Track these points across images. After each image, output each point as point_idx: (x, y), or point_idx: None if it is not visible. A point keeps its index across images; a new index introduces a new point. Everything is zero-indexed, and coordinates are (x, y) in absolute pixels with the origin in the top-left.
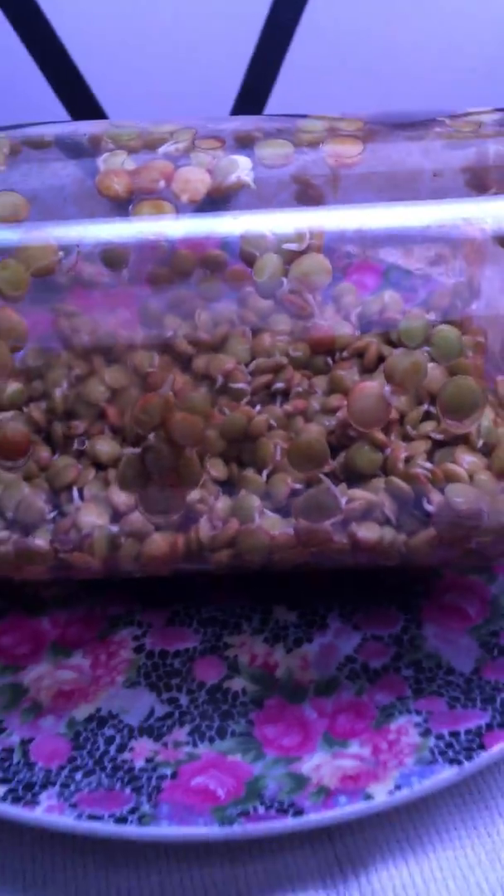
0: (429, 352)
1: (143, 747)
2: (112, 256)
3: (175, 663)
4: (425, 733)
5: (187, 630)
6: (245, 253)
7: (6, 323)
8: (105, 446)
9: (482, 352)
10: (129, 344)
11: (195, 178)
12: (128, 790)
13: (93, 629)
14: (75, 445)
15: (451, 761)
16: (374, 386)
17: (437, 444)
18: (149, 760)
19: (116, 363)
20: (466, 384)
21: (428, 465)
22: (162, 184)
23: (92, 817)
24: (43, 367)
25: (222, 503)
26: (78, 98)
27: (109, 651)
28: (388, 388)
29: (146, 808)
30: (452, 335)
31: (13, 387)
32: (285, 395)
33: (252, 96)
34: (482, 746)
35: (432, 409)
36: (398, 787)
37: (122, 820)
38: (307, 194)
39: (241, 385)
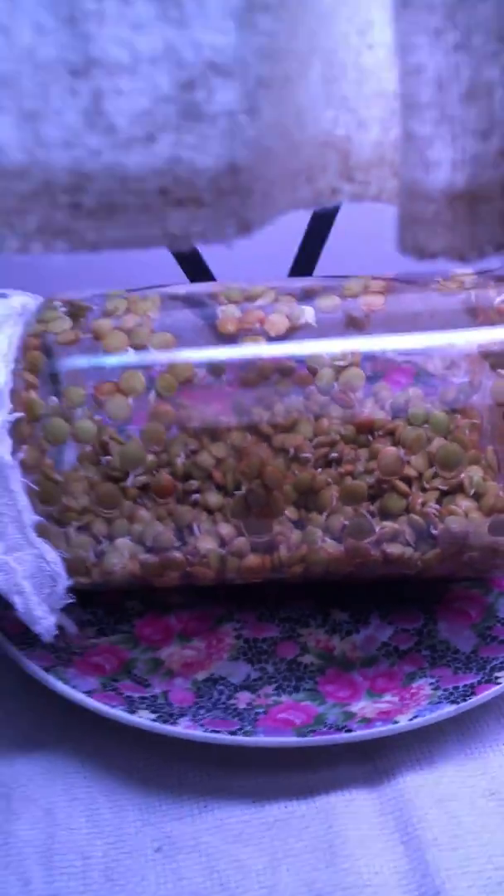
0: (428, 428)
1: (244, 697)
2: (217, 368)
3: (263, 646)
4: (436, 688)
5: (271, 624)
6: (310, 368)
7: (163, 414)
8: (213, 498)
9: (478, 430)
10: (228, 427)
11: (278, 321)
12: (235, 720)
13: (206, 623)
14: (192, 497)
15: (453, 702)
16: (393, 450)
17: (444, 493)
18: (248, 704)
19: (219, 441)
20: (452, 448)
21: (436, 506)
22: (258, 325)
23: (214, 731)
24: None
25: (295, 536)
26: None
27: (218, 638)
28: (402, 451)
29: (248, 728)
30: (442, 417)
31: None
32: (338, 462)
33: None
34: (474, 693)
35: (443, 475)
36: (415, 717)
37: (233, 733)
38: (350, 329)
39: (306, 454)
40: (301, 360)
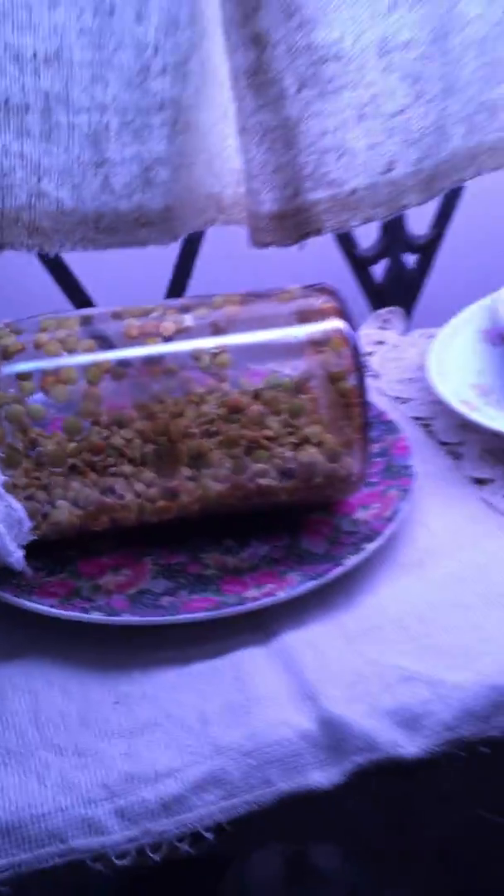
0: (280, 390)
1: (166, 599)
2: (118, 372)
3: (176, 567)
4: (302, 576)
5: (180, 553)
6: (193, 356)
7: (94, 396)
8: (126, 468)
9: (315, 402)
10: (131, 417)
11: (168, 326)
12: (162, 610)
13: (131, 558)
14: (110, 470)
15: (313, 580)
16: (257, 407)
17: (295, 445)
18: (170, 603)
19: (126, 427)
20: (298, 403)
21: (291, 453)
22: (154, 330)
23: (149, 617)
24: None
25: (192, 485)
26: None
27: (141, 566)
28: (263, 408)
29: (173, 614)
30: (288, 382)
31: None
32: (216, 433)
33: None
34: (326, 574)
35: (292, 430)
36: (288, 591)
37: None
38: (218, 329)
39: (193, 430)
40: (184, 354)
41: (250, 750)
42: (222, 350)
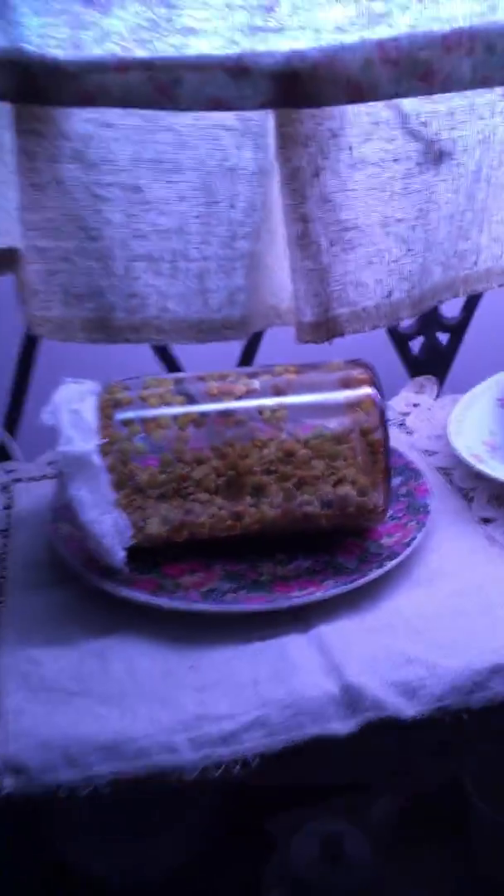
0: (323, 439)
1: (230, 596)
2: (200, 422)
3: (238, 574)
4: (336, 582)
5: (242, 564)
6: (259, 410)
7: (183, 438)
8: (202, 496)
9: (352, 450)
10: (208, 457)
11: (239, 388)
12: (226, 602)
13: (204, 565)
14: (191, 497)
15: (345, 585)
16: (305, 451)
17: (334, 484)
18: (232, 598)
19: (203, 464)
20: (333, 449)
21: (331, 489)
22: (229, 390)
23: (217, 606)
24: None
25: (253, 510)
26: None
27: (212, 572)
28: (311, 453)
29: (235, 605)
30: (329, 434)
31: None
32: (275, 472)
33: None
34: (357, 580)
35: (333, 471)
36: (325, 592)
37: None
38: (278, 391)
39: (256, 468)
40: (253, 408)
41: (288, 703)
42: (281, 407)
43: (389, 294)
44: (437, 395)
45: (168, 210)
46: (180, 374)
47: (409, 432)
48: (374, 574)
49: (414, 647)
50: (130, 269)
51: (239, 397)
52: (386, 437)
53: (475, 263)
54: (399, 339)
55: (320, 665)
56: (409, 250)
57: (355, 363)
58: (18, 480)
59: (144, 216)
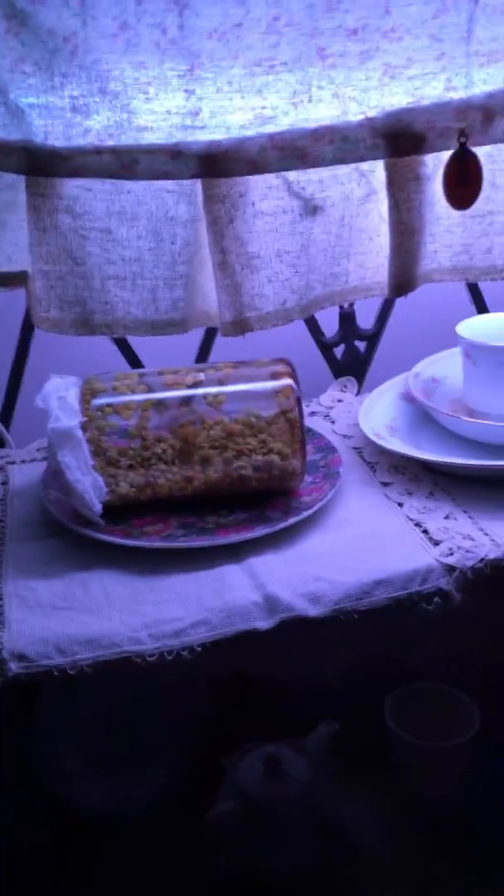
0: (253, 418)
1: (182, 539)
2: (159, 408)
3: (189, 523)
4: (265, 528)
5: (192, 516)
6: (204, 397)
7: (145, 418)
8: (162, 466)
9: (274, 427)
10: (165, 436)
11: (190, 379)
12: (179, 542)
13: (163, 517)
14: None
15: (270, 527)
16: (240, 427)
17: (264, 453)
18: (185, 539)
19: (162, 441)
20: (265, 426)
21: (259, 456)
22: (181, 381)
23: (175, 543)
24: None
25: (201, 475)
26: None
27: (168, 522)
28: (245, 430)
29: (189, 533)
30: (261, 417)
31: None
32: (216, 447)
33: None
34: (279, 524)
35: (262, 445)
36: (255, 532)
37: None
38: (220, 382)
39: (203, 444)
40: (200, 396)
41: (223, 609)
42: (222, 394)
43: (284, 303)
44: (358, 393)
45: (130, 245)
46: (144, 370)
47: (332, 422)
48: (293, 520)
49: (319, 570)
50: (105, 285)
51: (189, 386)
52: (301, 416)
53: (346, 282)
54: (324, 347)
55: (249, 584)
56: (296, 272)
57: (279, 361)
58: (12, 463)
59: (114, 250)
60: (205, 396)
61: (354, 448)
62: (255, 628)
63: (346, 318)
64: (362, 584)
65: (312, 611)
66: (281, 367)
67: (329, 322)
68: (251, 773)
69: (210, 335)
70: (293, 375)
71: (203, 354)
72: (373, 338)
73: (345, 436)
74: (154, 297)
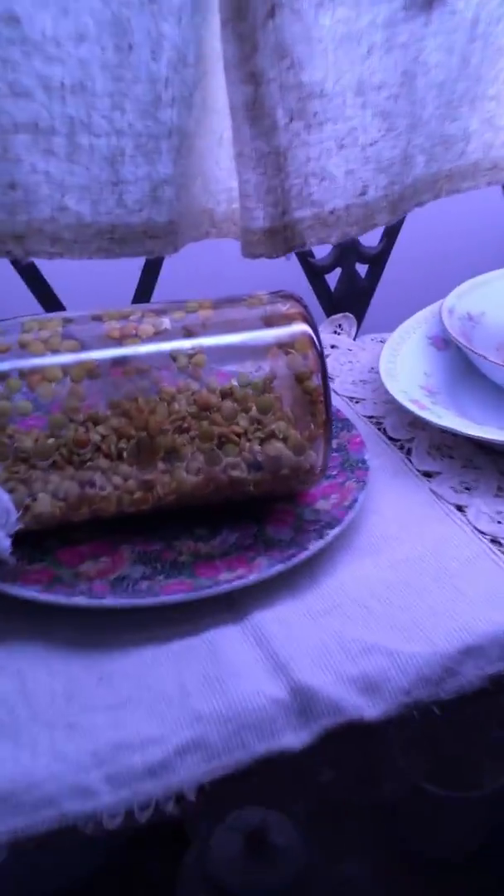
0: (251, 390)
1: (144, 584)
2: (95, 372)
3: (152, 554)
4: (270, 560)
5: (154, 541)
6: (171, 356)
7: (78, 393)
8: (103, 462)
9: (280, 401)
10: (106, 415)
11: (147, 328)
12: (142, 594)
13: (109, 547)
14: (88, 464)
15: (280, 563)
16: (230, 403)
17: (262, 440)
18: (147, 587)
19: (101, 424)
20: (265, 400)
21: (258, 447)
22: (133, 331)
23: (129, 600)
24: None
25: (166, 478)
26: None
27: (119, 554)
28: (235, 405)
29: (152, 596)
30: (259, 381)
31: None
32: (188, 430)
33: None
34: (293, 557)
35: (259, 426)
36: (259, 573)
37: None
38: (191, 332)
39: (166, 427)
40: (164, 354)
41: (228, 717)
42: (197, 351)
43: (363, 191)
44: (356, 336)
45: (61, 55)
46: (70, 313)
47: (330, 378)
48: (315, 547)
49: (368, 631)
50: (8, 145)
51: (145, 340)
52: (326, 383)
53: (462, 153)
54: (314, 272)
55: (261, 663)
56: (389, 129)
57: (283, 296)
58: None
59: (25, 63)
60: (172, 355)
61: (369, 418)
62: (283, 748)
63: None
64: (442, 657)
65: (370, 709)
66: (288, 307)
67: None
68: (227, 850)
69: (153, 263)
70: (308, 319)
71: (145, 287)
72: (377, 260)
73: (351, 398)
74: (114, 177)
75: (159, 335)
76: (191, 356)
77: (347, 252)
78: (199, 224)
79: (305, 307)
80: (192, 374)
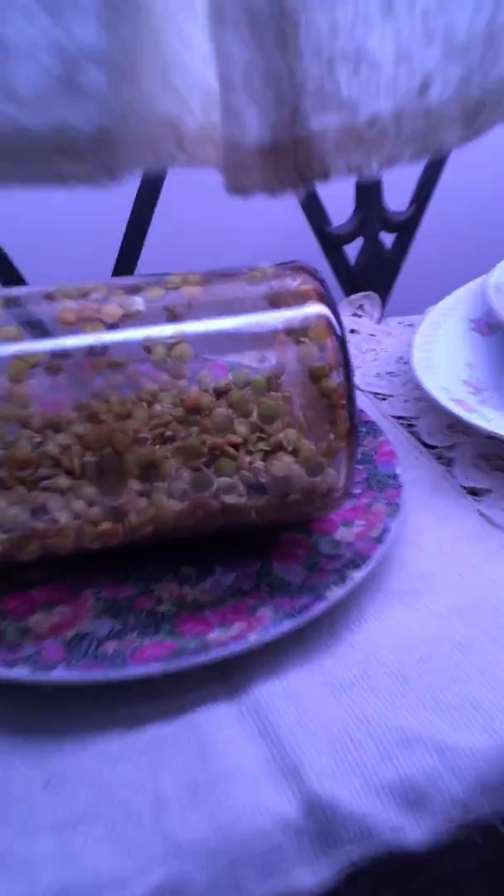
0: (251, 390)
1: (111, 645)
2: (53, 366)
3: (123, 602)
4: (276, 612)
5: (127, 585)
6: (145, 347)
7: (18, 396)
8: (62, 481)
9: (289, 401)
10: (69, 420)
11: (113, 310)
12: (106, 663)
13: (67, 592)
14: (42, 483)
15: (290, 618)
16: (223, 409)
17: (267, 453)
18: (115, 650)
19: (62, 432)
20: (271, 404)
21: (261, 463)
22: (95, 314)
23: (87, 672)
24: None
25: (143, 502)
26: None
27: (80, 602)
28: (230, 411)
29: (118, 667)
30: (260, 379)
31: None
32: (173, 439)
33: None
34: (307, 609)
35: (263, 436)
36: (261, 634)
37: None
38: (174, 315)
39: (144, 435)
40: (136, 343)
41: (218, 847)
42: (180, 339)
43: (425, 87)
44: (380, 319)
45: None
46: (14, 290)
47: None
48: (336, 594)
49: (409, 713)
50: None
51: (112, 326)
52: (350, 381)
53: None
54: (330, 242)
55: (264, 761)
56: None
57: (294, 268)
58: None
59: None
60: (147, 345)
61: (398, 419)
62: (294, 891)
63: (367, 192)
64: None
65: (414, 830)
66: (301, 283)
67: (338, 201)
68: None
69: (135, 232)
70: (326, 298)
71: (127, 255)
72: (406, 227)
73: (376, 395)
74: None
75: (130, 319)
76: (171, 346)
77: (370, 217)
78: (154, 139)
79: (322, 282)
80: (173, 369)
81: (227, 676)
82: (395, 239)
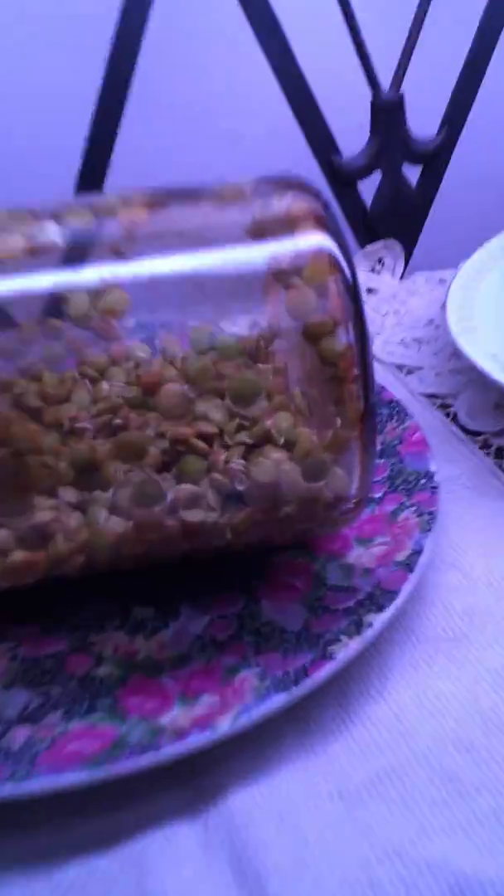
0: (216, 355)
1: (21, 733)
2: None
3: (47, 664)
4: (263, 678)
5: (57, 637)
6: (59, 295)
7: None
8: None
9: (282, 374)
10: None
11: (12, 242)
12: (6, 765)
13: None
14: None
15: (283, 690)
16: (175, 385)
17: (250, 448)
18: (25, 741)
19: None
20: (247, 376)
21: (242, 461)
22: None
23: None
24: None
25: (74, 520)
26: None
27: None
28: (186, 387)
29: (24, 772)
30: (229, 340)
31: None
32: (124, 429)
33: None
34: (307, 675)
35: (245, 422)
36: (238, 717)
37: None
38: (119, 248)
39: (84, 424)
40: (39, 291)
41: None
42: (113, 286)
43: None
44: (403, 273)
45: None
46: None
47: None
48: (348, 651)
49: (459, 839)
50: None
51: (8, 266)
52: (364, 342)
53: None
54: (340, 178)
55: None
56: None
57: (283, 184)
58: None
59: None
60: (61, 295)
61: (430, 397)
62: None
63: (386, 114)
64: None
65: None
66: (294, 203)
67: (350, 123)
68: None
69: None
70: (328, 224)
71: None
72: (434, 159)
73: (400, 367)
74: None
75: (37, 254)
76: (96, 296)
77: (391, 145)
78: None
79: (324, 204)
80: (100, 327)
81: (189, 780)
82: (422, 173)
